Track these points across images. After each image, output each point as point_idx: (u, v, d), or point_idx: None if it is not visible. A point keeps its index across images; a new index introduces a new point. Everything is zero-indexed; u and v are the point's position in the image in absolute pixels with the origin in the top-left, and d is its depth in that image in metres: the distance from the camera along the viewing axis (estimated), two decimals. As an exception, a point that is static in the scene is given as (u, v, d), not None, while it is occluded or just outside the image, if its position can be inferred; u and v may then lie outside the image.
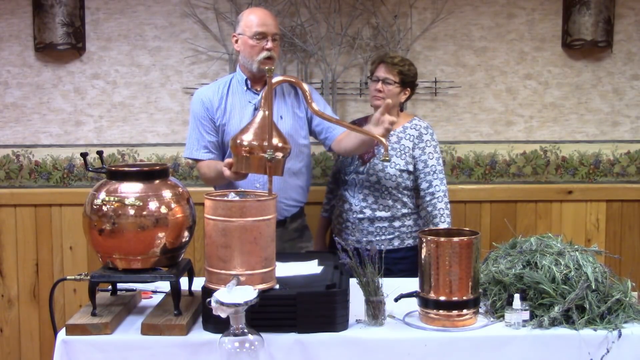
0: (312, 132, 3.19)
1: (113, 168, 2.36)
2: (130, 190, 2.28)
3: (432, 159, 3.16)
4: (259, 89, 3.09)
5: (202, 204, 2.28)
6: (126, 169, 2.35)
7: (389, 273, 2.61)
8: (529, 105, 3.89)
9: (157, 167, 2.36)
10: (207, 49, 3.80)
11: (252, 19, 3.02)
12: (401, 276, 2.81)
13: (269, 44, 3.00)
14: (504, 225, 3.79)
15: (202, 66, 3.81)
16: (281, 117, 3.06)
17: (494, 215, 3.89)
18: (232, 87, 3.11)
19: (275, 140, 2.48)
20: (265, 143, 2.43)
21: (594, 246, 2.61)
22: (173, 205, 2.31)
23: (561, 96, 3.89)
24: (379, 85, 3.15)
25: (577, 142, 3.91)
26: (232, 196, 2.32)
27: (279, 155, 2.49)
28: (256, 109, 3.04)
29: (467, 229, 2.43)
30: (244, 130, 2.52)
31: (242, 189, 2.61)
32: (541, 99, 3.88)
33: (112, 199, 2.26)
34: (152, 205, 2.27)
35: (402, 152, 3.17)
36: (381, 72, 3.16)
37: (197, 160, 3.14)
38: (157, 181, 2.33)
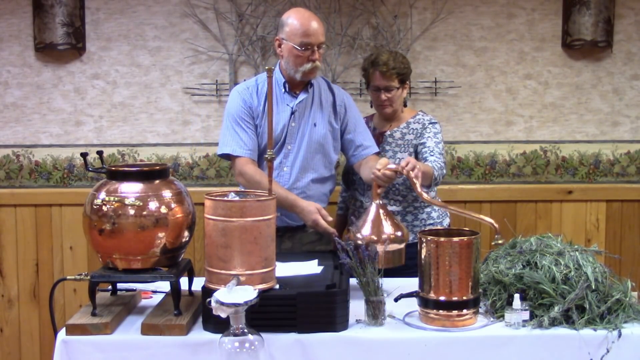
0: (341, 143, 3.12)
1: (113, 168, 2.36)
2: (130, 190, 2.28)
3: (430, 141, 3.10)
4: (297, 92, 3.02)
5: (202, 204, 2.28)
6: (126, 169, 2.35)
7: (405, 267, 2.61)
8: (529, 105, 3.89)
9: (157, 167, 2.36)
10: (207, 49, 3.80)
11: (299, 26, 2.90)
12: (416, 270, 2.80)
13: (315, 55, 2.90)
14: (504, 226, 3.77)
15: (202, 66, 3.81)
16: (315, 125, 3.02)
17: (494, 215, 3.84)
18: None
19: (391, 230, 2.57)
20: (383, 235, 2.53)
21: (594, 246, 2.61)
22: (173, 205, 2.31)
23: (561, 96, 3.89)
24: (383, 95, 3.14)
25: (577, 142, 3.91)
26: (232, 196, 2.32)
27: (398, 245, 2.55)
28: (293, 113, 3.00)
29: (467, 229, 2.43)
30: (361, 225, 2.57)
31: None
32: (541, 99, 3.89)
33: (112, 199, 2.26)
34: (152, 205, 2.27)
35: (406, 146, 3.17)
36: (380, 81, 3.12)
37: (234, 157, 2.99)
38: (157, 181, 2.33)
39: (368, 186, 3.15)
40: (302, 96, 3.02)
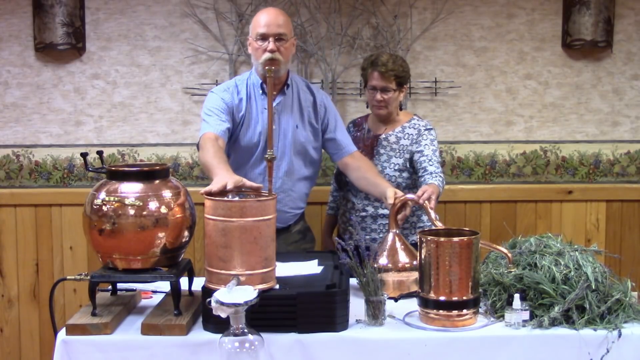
0: (322, 142, 3.15)
1: (113, 168, 2.36)
2: (130, 190, 2.28)
3: (428, 149, 3.12)
4: (275, 93, 3.01)
5: (202, 204, 2.28)
6: (126, 169, 2.35)
7: None
8: (529, 105, 3.89)
9: (157, 167, 2.37)
10: (207, 49, 3.80)
11: (256, 21, 2.95)
12: None
13: (271, 45, 2.91)
14: (504, 226, 3.79)
15: (202, 66, 3.81)
16: (297, 127, 3.03)
17: (494, 215, 3.89)
18: (248, 90, 3.03)
19: (407, 259, 2.61)
20: (399, 264, 2.58)
21: (593, 246, 2.61)
22: (173, 205, 2.31)
23: (561, 96, 3.89)
24: (379, 96, 3.14)
25: (577, 142, 3.91)
26: (232, 196, 2.32)
27: (414, 274, 2.56)
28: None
29: (467, 229, 2.43)
30: (378, 254, 2.61)
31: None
32: (541, 99, 3.89)
33: (112, 199, 2.26)
34: (152, 205, 2.27)
35: (401, 151, 3.18)
36: (378, 81, 3.13)
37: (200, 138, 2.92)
38: (157, 181, 2.33)
39: None
40: (279, 98, 3.03)
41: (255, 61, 2.99)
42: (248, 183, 2.37)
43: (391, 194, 2.76)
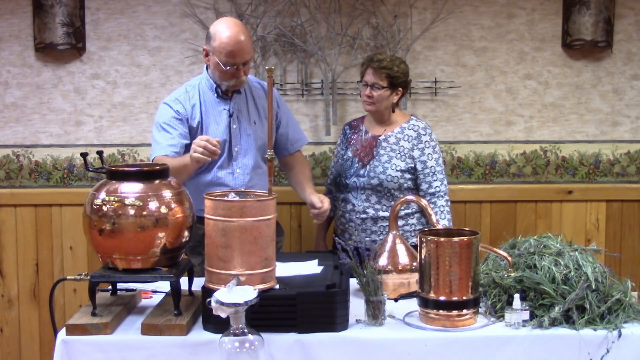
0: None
1: (113, 168, 2.36)
2: (130, 190, 2.28)
3: (431, 159, 3.16)
4: (229, 94, 3.05)
5: (202, 204, 2.28)
6: (126, 169, 2.35)
7: None
8: (529, 105, 3.89)
9: (157, 167, 2.37)
10: (207, 49, 3.80)
11: (224, 44, 2.88)
12: None
13: (240, 73, 2.93)
14: (504, 225, 3.79)
15: (202, 66, 3.80)
16: (254, 122, 3.07)
17: (494, 215, 3.88)
18: (202, 94, 3.04)
19: (407, 260, 2.61)
20: (399, 266, 2.59)
21: (592, 245, 2.61)
22: (173, 205, 2.31)
23: (561, 96, 3.89)
24: (368, 91, 3.16)
25: (577, 142, 3.91)
26: (232, 196, 2.33)
27: (414, 275, 2.56)
28: (230, 116, 3.03)
29: (467, 229, 2.43)
30: (377, 255, 2.61)
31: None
32: (541, 99, 3.88)
33: (112, 199, 2.26)
34: (152, 205, 2.27)
35: (402, 153, 3.18)
36: (369, 77, 3.16)
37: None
38: (157, 181, 2.33)
39: (361, 189, 3.18)
40: (235, 98, 3.05)
41: (215, 77, 2.99)
42: (213, 140, 2.67)
43: (316, 200, 2.94)
